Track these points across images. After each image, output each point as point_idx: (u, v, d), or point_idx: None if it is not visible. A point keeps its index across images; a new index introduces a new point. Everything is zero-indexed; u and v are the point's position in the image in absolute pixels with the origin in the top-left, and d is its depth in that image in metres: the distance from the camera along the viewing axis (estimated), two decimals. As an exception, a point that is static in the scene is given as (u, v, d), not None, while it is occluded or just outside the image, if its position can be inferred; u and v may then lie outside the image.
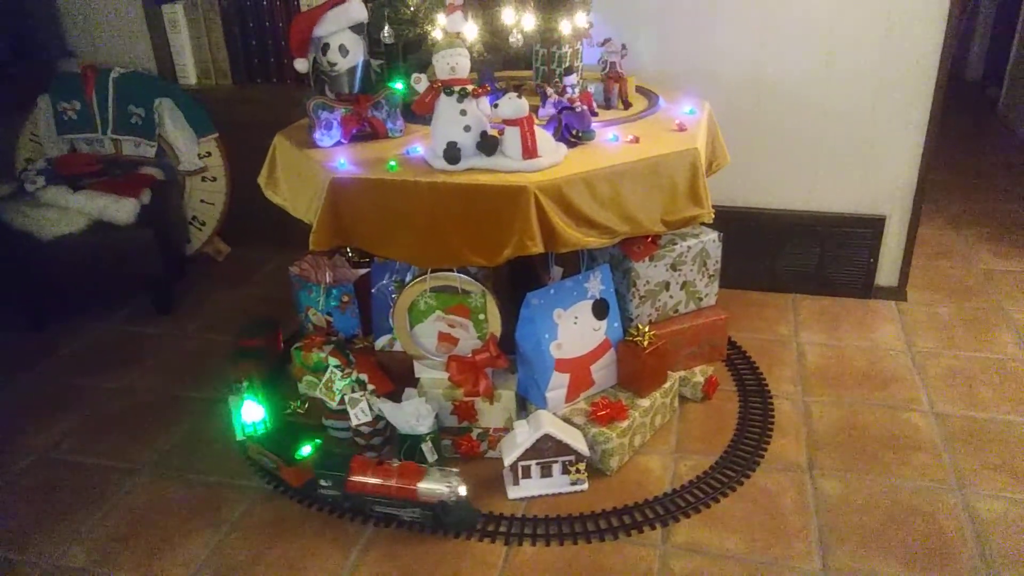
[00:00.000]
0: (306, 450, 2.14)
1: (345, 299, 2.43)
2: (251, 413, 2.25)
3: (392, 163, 1.98)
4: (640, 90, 2.52)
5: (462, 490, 1.95)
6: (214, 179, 3.32)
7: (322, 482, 2.06)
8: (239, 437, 2.28)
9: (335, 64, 2.17)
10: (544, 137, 1.96)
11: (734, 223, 2.86)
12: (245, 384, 2.34)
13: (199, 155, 3.26)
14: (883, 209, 2.82)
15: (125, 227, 2.87)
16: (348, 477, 2.00)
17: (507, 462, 2.05)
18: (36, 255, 2.81)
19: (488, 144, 1.93)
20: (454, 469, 2.01)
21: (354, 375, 2.23)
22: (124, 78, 3.17)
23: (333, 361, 2.28)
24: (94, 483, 2.19)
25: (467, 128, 1.92)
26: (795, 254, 2.94)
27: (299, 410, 2.38)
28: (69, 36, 3.35)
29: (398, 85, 2.21)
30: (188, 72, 3.32)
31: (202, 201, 3.33)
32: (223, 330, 2.92)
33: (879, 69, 2.65)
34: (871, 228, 2.84)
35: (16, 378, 2.69)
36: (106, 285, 3.04)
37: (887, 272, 2.91)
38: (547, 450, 2.04)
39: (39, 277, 2.90)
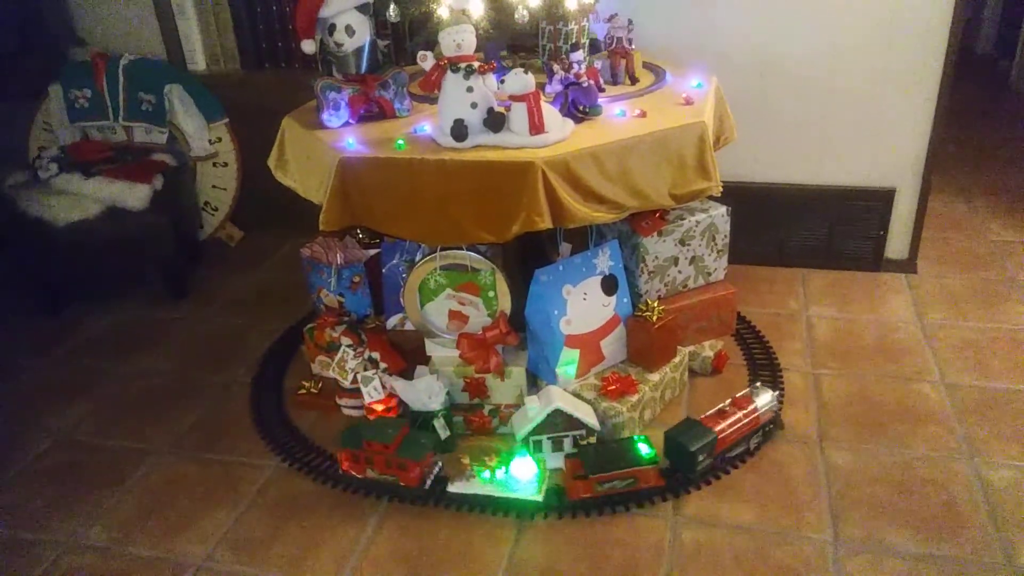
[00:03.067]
0: (644, 448, 2.00)
1: (356, 279, 2.45)
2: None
3: (400, 142, 1.99)
4: (647, 66, 2.52)
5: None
6: (225, 164, 3.34)
7: (700, 457, 1.97)
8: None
9: (342, 45, 2.18)
10: (551, 113, 1.96)
11: (743, 198, 2.85)
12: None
13: (209, 140, 3.28)
14: (893, 181, 2.81)
15: (138, 213, 2.90)
16: (716, 437, 1.98)
17: (519, 437, 2.07)
18: (51, 241, 2.84)
19: (495, 120, 1.93)
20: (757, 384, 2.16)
21: (367, 354, 2.25)
22: (134, 65, 3.19)
23: (345, 341, 2.30)
24: (113, 464, 2.23)
25: (474, 105, 1.93)
26: (804, 228, 2.93)
27: (312, 390, 2.40)
28: (78, 24, 3.37)
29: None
30: (197, 58, 3.33)
31: (214, 186, 3.36)
32: (237, 314, 2.95)
33: (888, 40, 2.63)
34: (881, 201, 2.83)
35: (34, 362, 2.73)
36: (121, 270, 3.07)
37: (897, 245, 2.90)
38: (558, 425, 2.06)
39: (54, 263, 2.94)
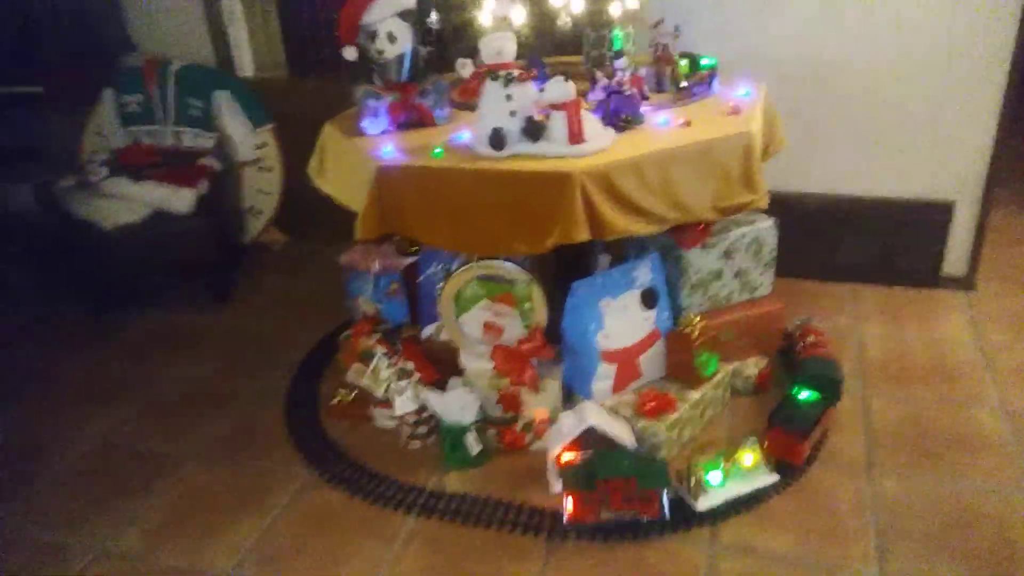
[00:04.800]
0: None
1: (393, 287, 2.43)
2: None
3: (437, 150, 1.96)
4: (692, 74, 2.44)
5: None
6: (270, 169, 3.36)
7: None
8: None
9: (383, 51, 2.16)
10: (591, 121, 1.92)
11: (791, 210, 2.76)
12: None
13: (255, 146, 3.31)
14: (951, 194, 2.69)
15: (184, 216, 2.93)
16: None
17: (552, 454, 2.01)
18: (99, 243, 2.89)
19: (534, 129, 1.89)
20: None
21: (400, 363, 2.22)
22: (184, 71, 3.23)
23: (380, 349, 2.28)
24: (148, 469, 2.24)
25: (512, 113, 1.89)
26: (856, 242, 2.82)
27: (346, 399, 2.39)
28: (131, 30, 3.43)
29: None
30: (245, 64, 3.37)
31: (259, 191, 3.38)
32: (277, 318, 2.96)
33: (947, 44, 2.52)
34: (938, 214, 2.71)
35: (78, 364, 2.77)
36: (166, 272, 3.11)
37: (955, 261, 2.77)
38: (592, 443, 2.00)
39: (102, 264, 2.98)
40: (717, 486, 1.93)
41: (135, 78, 3.24)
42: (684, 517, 1.90)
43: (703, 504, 1.91)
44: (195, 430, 2.39)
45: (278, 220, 3.45)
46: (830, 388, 2.17)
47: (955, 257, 2.76)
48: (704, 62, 2.28)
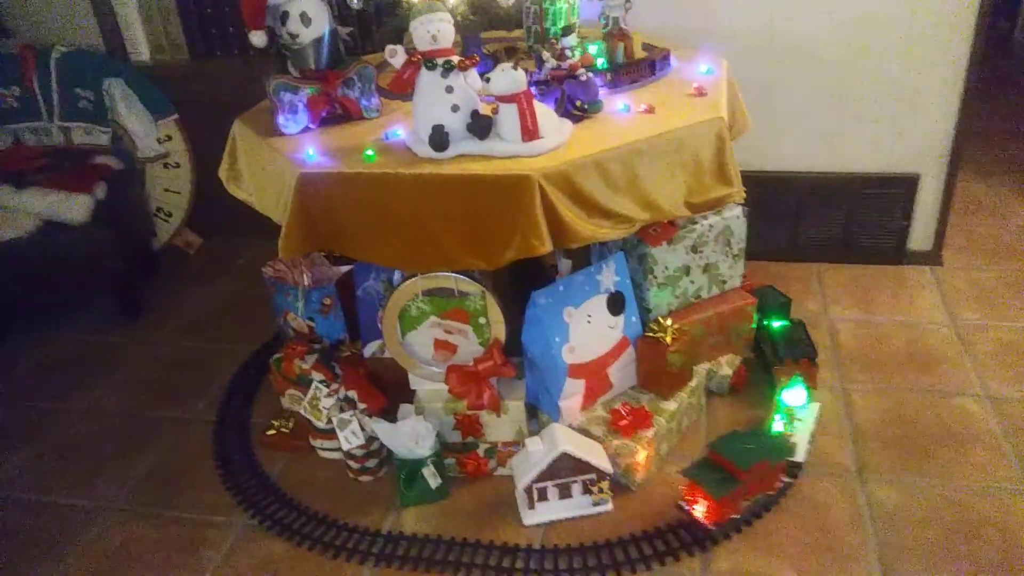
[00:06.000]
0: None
1: (327, 302, 2.16)
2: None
3: (369, 152, 1.69)
4: (647, 47, 2.22)
5: None
6: (177, 165, 3.01)
7: None
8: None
9: (297, 36, 1.87)
10: (546, 113, 1.68)
11: (751, 188, 2.57)
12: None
13: (158, 139, 2.96)
14: (917, 166, 2.55)
15: (80, 226, 2.58)
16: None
17: (521, 486, 1.81)
18: (-17, 263, 2.53)
19: (480, 125, 1.65)
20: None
21: (341, 392, 1.97)
22: (67, 58, 2.85)
23: (317, 376, 2.03)
24: (58, 526, 1.95)
25: (455, 108, 1.64)
26: (820, 220, 2.67)
27: (283, 428, 2.13)
28: (5, 13, 3.01)
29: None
30: (140, 47, 2.99)
31: (166, 190, 3.04)
32: (197, 335, 2.66)
33: (909, 12, 2.35)
34: (903, 188, 2.58)
35: (-32, 403, 2.43)
36: (66, 291, 2.76)
37: (920, 235, 2.65)
38: (565, 470, 1.80)
39: (-12, 287, 2.62)
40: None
41: (10, 68, 2.85)
42: (671, 548, 1.74)
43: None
44: (111, 475, 2.10)
45: (191, 221, 3.11)
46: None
47: (921, 232, 2.64)
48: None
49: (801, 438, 1.94)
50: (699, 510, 1.76)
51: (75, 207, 2.57)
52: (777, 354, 2.14)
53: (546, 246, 1.58)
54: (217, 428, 2.23)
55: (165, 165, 3.00)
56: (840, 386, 2.17)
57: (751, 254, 2.60)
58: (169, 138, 2.97)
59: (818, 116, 2.55)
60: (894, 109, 2.48)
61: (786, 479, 1.87)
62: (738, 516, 1.78)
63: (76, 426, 2.29)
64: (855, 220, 2.64)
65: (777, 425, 1.97)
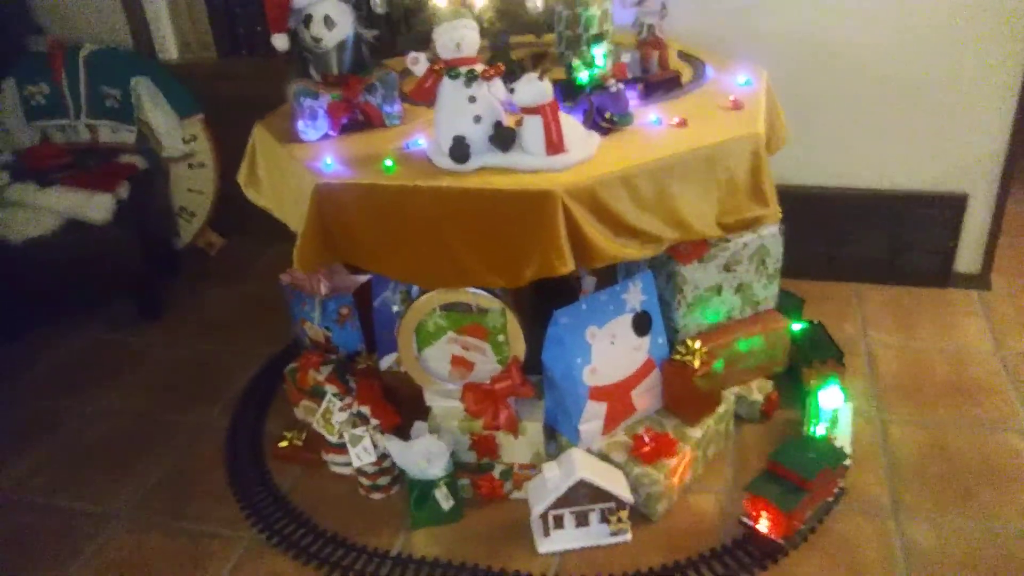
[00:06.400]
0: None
1: (344, 312, 2.10)
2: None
3: (388, 162, 1.63)
4: (683, 56, 2.14)
5: None
6: (202, 165, 2.98)
7: None
8: None
9: (320, 39, 1.82)
10: (572, 126, 1.60)
11: (789, 204, 2.47)
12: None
13: (183, 139, 2.93)
14: (965, 185, 2.43)
15: (101, 225, 2.55)
16: None
17: (536, 512, 1.74)
18: (7, 260, 2.51)
19: (503, 137, 1.57)
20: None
21: (355, 407, 1.91)
22: (95, 56, 2.83)
23: (331, 389, 1.97)
24: (66, 532, 1.93)
25: (477, 119, 1.57)
26: (861, 238, 2.55)
27: (296, 441, 2.08)
28: (35, 9, 3.00)
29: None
30: (168, 46, 2.96)
31: (190, 190, 3.00)
32: (216, 337, 2.63)
33: (962, 23, 2.23)
34: (950, 207, 2.45)
35: (-15, 400, 2.42)
36: (86, 290, 2.73)
37: (968, 257, 2.52)
38: (582, 497, 1.73)
39: (12, 284, 2.60)
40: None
41: (39, 65, 2.84)
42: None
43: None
44: (122, 480, 2.07)
45: (214, 221, 3.08)
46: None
47: (968, 254, 2.51)
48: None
49: (844, 439, 1.90)
50: (764, 524, 1.70)
51: (97, 206, 2.54)
52: (805, 358, 2.08)
53: (568, 266, 1.51)
54: (230, 436, 2.19)
55: (189, 165, 2.97)
56: (877, 416, 2.06)
57: (785, 271, 2.50)
58: (194, 138, 2.94)
59: (862, 129, 2.43)
60: (943, 124, 2.36)
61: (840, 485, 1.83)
62: (803, 526, 1.72)
63: (89, 428, 2.27)
64: (898, 239, 2.52)
65: (819, 429, 1.91)
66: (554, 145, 1.55)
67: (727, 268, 1.97)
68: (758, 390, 2.06)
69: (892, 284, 2.57)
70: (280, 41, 1.84)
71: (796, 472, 1.69)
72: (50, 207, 2.53)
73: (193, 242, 3.08)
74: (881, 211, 2.49)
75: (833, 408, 1.93)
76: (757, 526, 1.70)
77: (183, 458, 2.13)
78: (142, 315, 2.74)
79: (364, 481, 1.92)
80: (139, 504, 1.99)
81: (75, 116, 2.86)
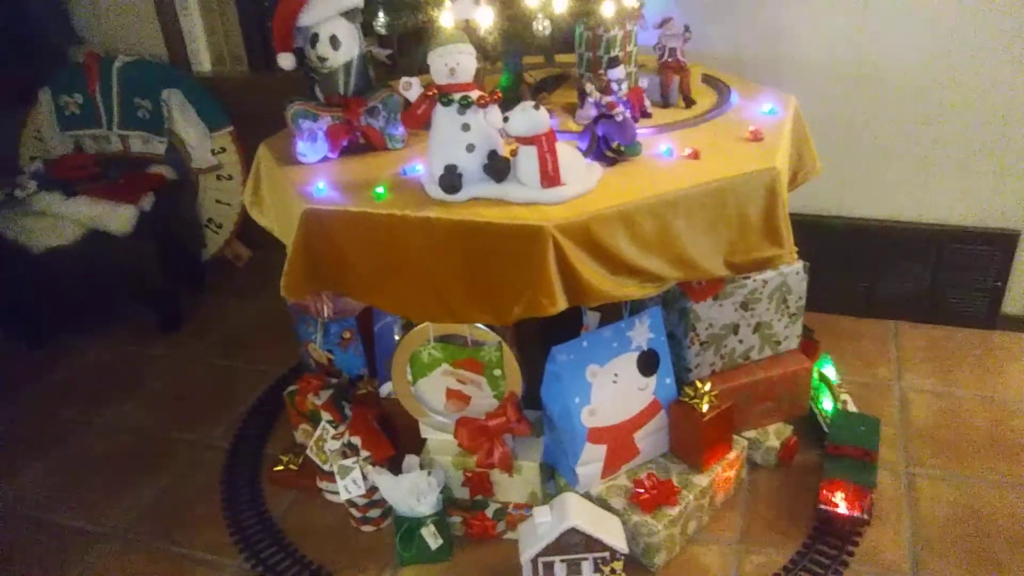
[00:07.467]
0: None
1: (346, 335, 2.05)
2: None
3: (380, 189, 1.57)
4: (708, 80, 2.03)
5: None
6: (230, 177, 2.98)
7: None
8: None
9: (326, 59, 1.78)
10: (571, 157, 1.51)
11: (823, 235, 2.35)
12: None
13: (212, 151, 2.93)
14: (1016, 222, 2.26)
15: (122, 237, 2.56)
16: None
17: (525, 557, 1.65)
18: (28, 268, 2.54)
19: (497, 167, 1.50)
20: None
21: (346, 437, 1.86)
22: (129, 67, 2.86)
23: (326, 416, 1.92)
24: (55, 550, 1.91)
25: (470, 147, 1.50)
26: (900, 274, 2.40)
27: (292, 465, 2.04)
28: (76, 20, 3.05)
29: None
30: (201, 58, 2.98)
31: (218, 201, 3.01)
32: (232, 351, 2.61)
33: (1018, 50, 2.07)
34: (1000, 245, 2.28)
35: (2, 405, 2.44)
36: (107, 301, 2.76)
37: (1017, 298, 2.34)
38: (574, 545, 1.64)
39: (33, 292, 2.64)
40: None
41: (74, 76, 2.88)
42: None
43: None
44: (116, 498, 2.05)
45: (241, 233, 3.07)
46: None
47: (1018, 294, 2.33)
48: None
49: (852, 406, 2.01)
50: (842, 505, 1.74)
51: (119, 217, 2.55)
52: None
53: (557, 306, 1.42)
54: (230, 457, 2.16)
55: (218, 177, 2.98)
56: (904, 468, 1.92)
57: (819, 306, 2.37)
58: (223, 150, 2.95)
59: (905, 159, 2.28)
60: (994, 157, 2.20)
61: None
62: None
63: (96, 441, 2.27)
64: (941, 277, 2.36)
65: (826, 404, 1.99)
66: (549, 177, 1.46)
67: (744, 307, 1.85)
68: (775, 435, 1.93)
69: (932, 323, 2.40)
70: (286, 60, 1.81)
71: (862, 447, 1.79)
72: (73, 217, 2.55)
73: (220, 253, 3.08)
74: (924, 246, 2.34)
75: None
76: (836, 508, 1.74)
77: (181, 479, 2.11)
78: (161, 327, 2.74)
79: (354, 513, 1.86)
80: (130, 525, 1.97)
81: (107, 126, 2.89)
